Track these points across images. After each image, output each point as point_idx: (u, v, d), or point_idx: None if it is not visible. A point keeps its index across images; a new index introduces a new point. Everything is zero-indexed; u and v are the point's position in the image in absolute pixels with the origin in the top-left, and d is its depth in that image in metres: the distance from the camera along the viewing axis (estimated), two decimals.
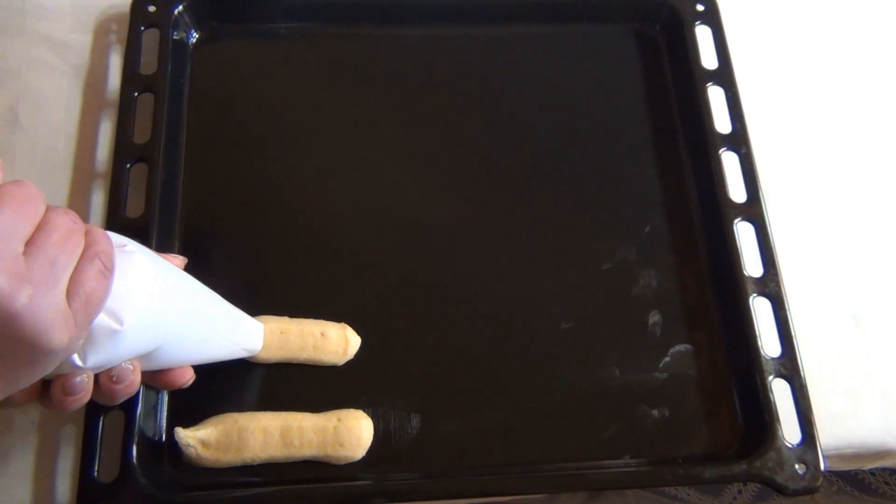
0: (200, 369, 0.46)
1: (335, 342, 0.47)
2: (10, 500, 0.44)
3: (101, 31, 0.57)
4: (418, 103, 0.57)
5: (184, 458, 0.44)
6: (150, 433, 0.44)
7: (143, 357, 0.38)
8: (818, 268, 0.55)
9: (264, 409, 0.46)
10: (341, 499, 0.44)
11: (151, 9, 0.55)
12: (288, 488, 0.44)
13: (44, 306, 0.30)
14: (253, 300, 0.48)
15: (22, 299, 0.29)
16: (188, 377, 0.42)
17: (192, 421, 0.45)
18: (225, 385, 0.47)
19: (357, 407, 0.46)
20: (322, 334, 0.47)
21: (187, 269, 0.44)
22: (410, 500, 0.45)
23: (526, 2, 0.60)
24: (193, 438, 0.43)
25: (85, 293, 0.32)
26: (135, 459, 0.43)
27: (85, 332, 0.33)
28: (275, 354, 0.47)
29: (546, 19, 0.60)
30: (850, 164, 0.59)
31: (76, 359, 0.34)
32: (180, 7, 0.55)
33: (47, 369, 0.33)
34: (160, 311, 0.37)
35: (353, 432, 0.45)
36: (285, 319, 0.48)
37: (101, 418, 0.43)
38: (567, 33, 0.60)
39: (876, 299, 0.54)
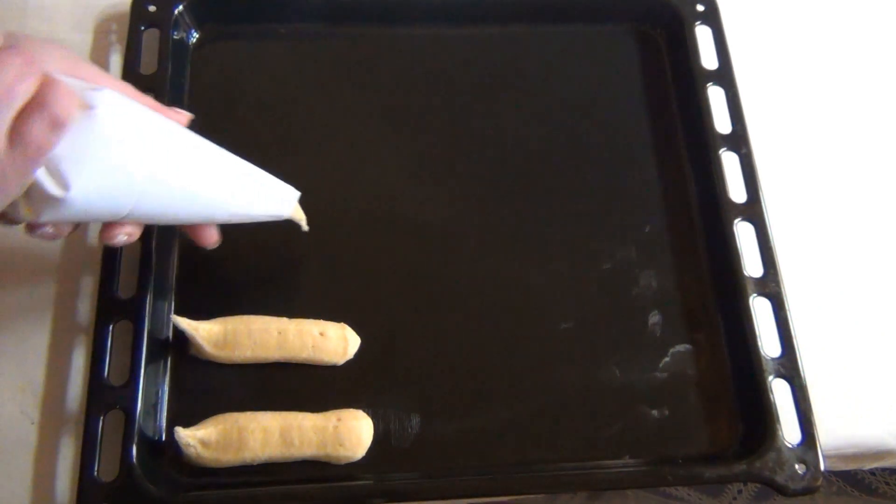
0: (197, 376, 0.46)
1: (334, 342, 0.47)
2: (10, 500, 0.44)
3: (101, 31, 0.57)
4: (418, 103, 0.57)
5: (184, 458, 0.44)
6: (150, 433, 0.44)
7: (134, 214, 0.37)
8: (818, 268, 0.55)
9: (264, 409, 0.46)
10: (341, 499, 0.44)
11: (151, 9, 0.55)
12: (288, 488, 0.44)
13: None
14: (253, 300, 0.49)
15: None
16: (211, 240, 0.45)
17: (192, 421, 0.45)
18: (225, 385, 0.47)
19: (357, 407, 0.46)
20: (321, 334, 0.47)
21: None
22: (410, 500, 0.45)
23: (526, 2, 0.60)
24: (193, 438, 0.43)
25: (26, 141, 0.31)
26: (135, 459, 0.43)
27: (23, 181, 0.32)
28: (274, 354, 0.47)
29: (546, 19, 0.60)
30: (850, 163, 0.59)
31: (24, 212, 0.34)
32: (180, 7, 0.55)
33: None
34: (125, 176, 0.35)
35: (353, 432, 0.45)
36: (283, 320, 0.48)
37: (101, 418, 0.43)
38: (567, 33, 0.60)
39: (876, 299, 0.54)
